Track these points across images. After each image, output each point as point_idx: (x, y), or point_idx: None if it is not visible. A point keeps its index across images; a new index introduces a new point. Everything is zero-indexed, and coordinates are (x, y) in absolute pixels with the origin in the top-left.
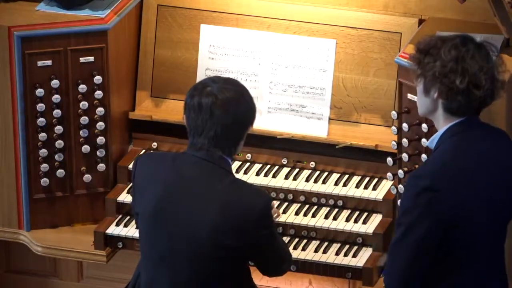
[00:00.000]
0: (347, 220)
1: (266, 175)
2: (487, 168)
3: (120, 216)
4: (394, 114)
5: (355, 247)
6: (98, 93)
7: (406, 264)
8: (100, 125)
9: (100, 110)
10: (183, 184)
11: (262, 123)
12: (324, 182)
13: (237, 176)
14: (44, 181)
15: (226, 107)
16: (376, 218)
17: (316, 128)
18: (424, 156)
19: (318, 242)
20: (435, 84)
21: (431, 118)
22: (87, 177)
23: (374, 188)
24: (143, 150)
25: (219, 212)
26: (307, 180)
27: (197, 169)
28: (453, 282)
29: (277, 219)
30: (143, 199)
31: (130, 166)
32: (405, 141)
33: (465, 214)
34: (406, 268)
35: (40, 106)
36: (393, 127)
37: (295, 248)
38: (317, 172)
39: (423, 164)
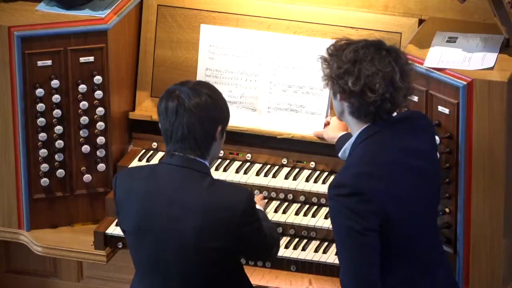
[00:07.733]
0: None
1: (266, 175)
2: (400, 158)
3: None
4: None
5: None
6: (98, 93)
7: (360, 269)
8: (100, 125)
9: (100, 110)
10: (161, 195)
11: (262, 123)
12: (324, 182)
13: (238, 176)
14: (44, 181)
15: (191, 107)
16: None
17: (316, 128)
18: None
19: (318, 242)
20: (334, 85)
21: (344, 121)
22: (87, 177)
23: None
24: (143, 150)
25: (202, 217)
26: (307, 180)
27: (174, 177)
28: (400, 276)
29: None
30: (125, 216)
31: (130, 166)
32: None
33: (393, 208)
34: (361, 273)
35: (40, 106)
36: None
37: (295, 248)
38: (317, 172)
39: (339, 172)
